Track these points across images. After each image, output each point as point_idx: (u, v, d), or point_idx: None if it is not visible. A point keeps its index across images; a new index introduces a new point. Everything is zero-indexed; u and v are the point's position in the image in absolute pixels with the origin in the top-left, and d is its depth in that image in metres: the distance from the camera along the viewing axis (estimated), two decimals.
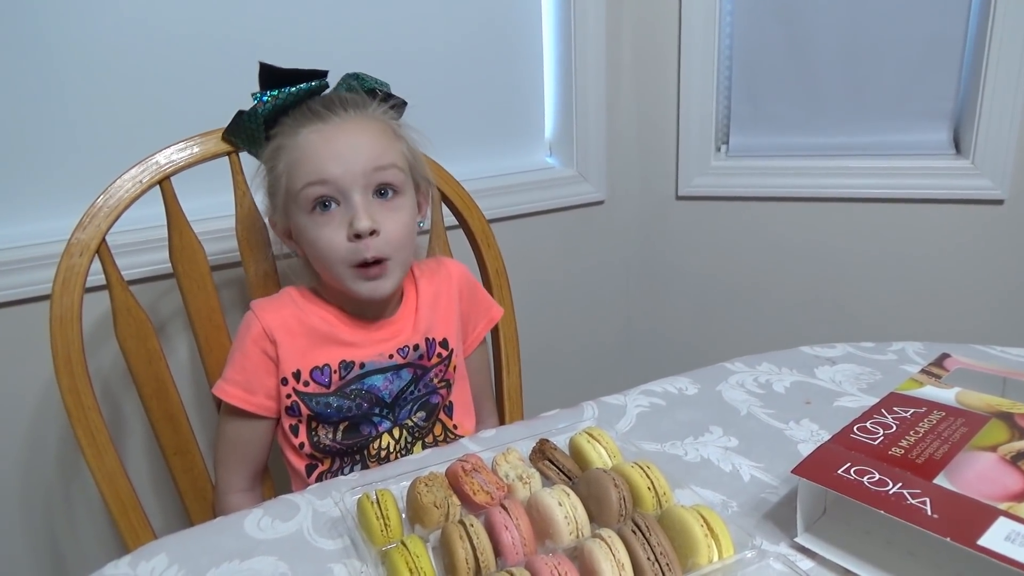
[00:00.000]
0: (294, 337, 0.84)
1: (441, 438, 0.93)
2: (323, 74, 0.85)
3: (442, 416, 0.94)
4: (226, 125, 0.90)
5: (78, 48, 1.03)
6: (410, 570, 0.53)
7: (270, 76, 0.83)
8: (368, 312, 0.88)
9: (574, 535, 0.57)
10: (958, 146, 1.39)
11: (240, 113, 0.88)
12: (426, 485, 0.61)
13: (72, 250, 0.84)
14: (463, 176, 1.08)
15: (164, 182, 0.89)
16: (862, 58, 1.40)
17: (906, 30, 1.35)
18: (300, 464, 0.88)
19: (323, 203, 0.80)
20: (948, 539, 0.49)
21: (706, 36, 1.44)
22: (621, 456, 0.68)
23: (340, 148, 0.80)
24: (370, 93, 0.86)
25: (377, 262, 0.81)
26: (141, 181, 0.88)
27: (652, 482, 0.61)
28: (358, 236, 0.79)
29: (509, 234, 1.37)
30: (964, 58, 1.34)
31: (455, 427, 0.95)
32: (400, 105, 0.89)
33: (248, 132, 0.88)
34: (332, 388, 0.85)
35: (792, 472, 0.58)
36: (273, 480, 0.97)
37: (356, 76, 0.87)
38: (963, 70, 1.35)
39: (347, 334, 0.86)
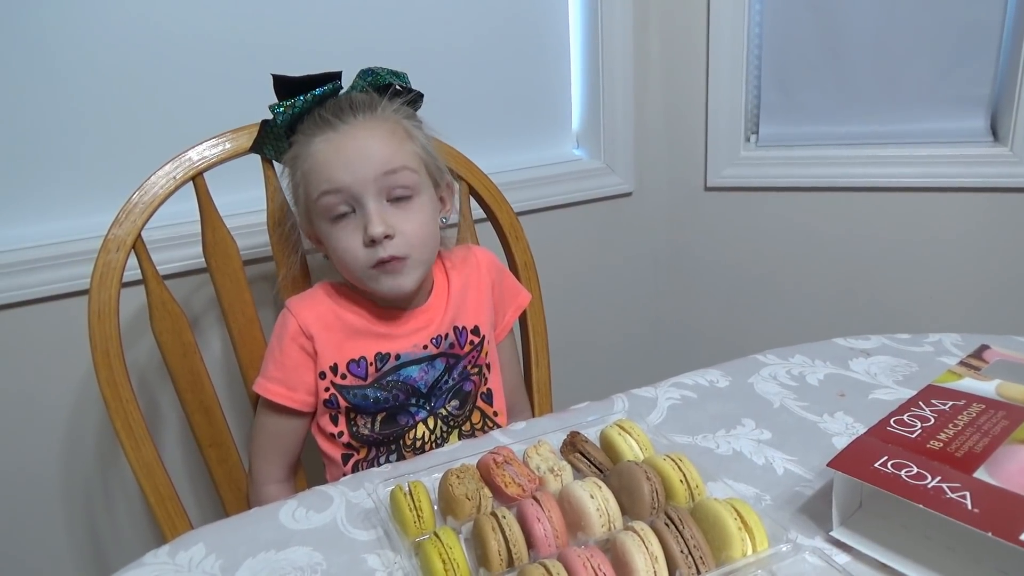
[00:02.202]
0: (330, 332, 0.85)
1: (479, 426, 0.94)
2: (336, 76, 0.85)
3: (481, 404, 0.94)
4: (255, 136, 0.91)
5: (112, 48, 1.04)
6: (443, 561, 0.53)
7: (284, 86, 0.84)
8: (400, 304, 0.89)
9: (606, 527, 0.57)
10: (996, 133, 1.36)
11: (264, 123, 0.89)
12: (458, 477, 0.62)
13: (109, 246, 0.86)
14: (490, 169, 1.08)
15: (197, 178, 0.91)
16: (896, 44, 1.37)
17: (941, 14, 1.32)
18: (336, 453, 0.89)
19: (339, 212, 0.81)
20: (989, 534, 0.48)
21: (735, 23, 1.42)
22: (652, 449, 0.67)
23: (350, 156, 0.80)
24: (383, 90, 0.85)
25: (394, 259, 0.81)
26: (174, 177, 0.89)
27: (684, 475, 0.60)
28: (373, 241, 0.80)
29: (537, 227, 1.36)
30: (1002, 42, 1.30)
31: (495, 414, 0.95)
32: (417, 98, 0.88)
33: (273, 143, 0.89)
34: (369, 380, 0.86)
35: (828, 465, 0.57)
36: (306, 471, 0.98)
37: (371, 71, 0.87)
38: (1001, 54, 1.31)
39: (381, 326, 0.87)
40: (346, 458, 0.89)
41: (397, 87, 0.86)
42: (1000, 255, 1.38)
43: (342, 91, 0.87)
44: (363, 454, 0.89)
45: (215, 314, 1.15)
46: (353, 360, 0.86)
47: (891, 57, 1.38)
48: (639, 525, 0.54)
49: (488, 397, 0.95)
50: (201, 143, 0.91)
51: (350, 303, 0.88)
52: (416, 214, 0.83)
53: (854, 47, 1.40)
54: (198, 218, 0.92)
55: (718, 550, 0.54)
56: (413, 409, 0.88)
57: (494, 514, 0.56)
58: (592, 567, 0.51)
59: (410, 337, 0.88)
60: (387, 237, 0.80)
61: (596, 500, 0.57)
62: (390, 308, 0.88)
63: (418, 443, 0.89)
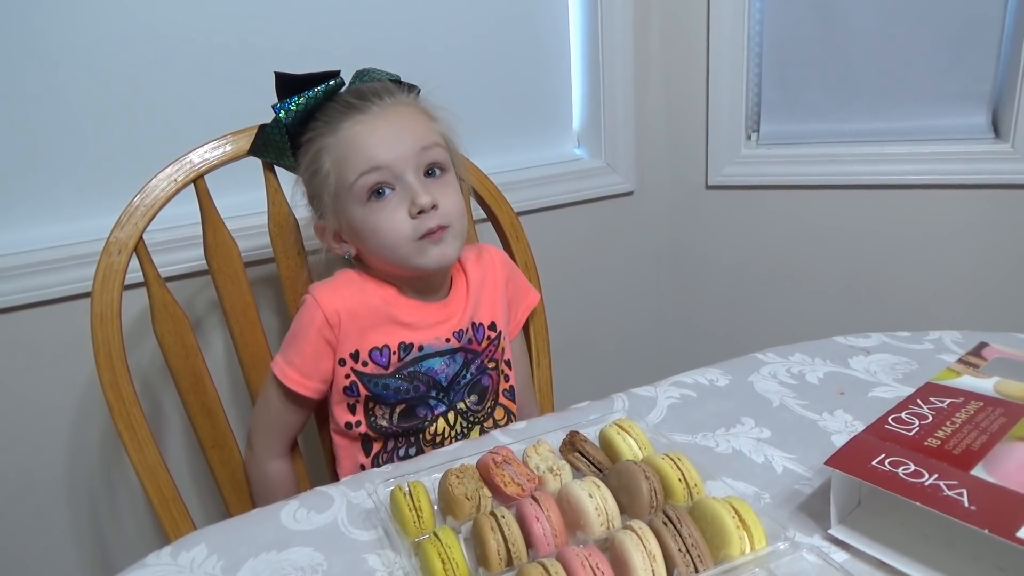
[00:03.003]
0: (355, 318, 0.85)
1: (503, 423, 0.94)
2: (337, 73, 0.87)
3: (504, 400, 0.95)
4: (251, 143, 0.92)
5: (111, 52, 1.05)
6: (442, 561, 0.53)
7: (285, 84, 0.85)
8: (425, 291, 0.89)
9: (605, 526, 0.57)
10: (997, 130, 1.36)
11: (262, 128, 0.89)
12: (457, 477, 0.62)
13: (111, 248, 0.86)
14: (491, 169, 1.08)
15: (198, 180, 0.91)
16: (897, 40, 1.37)
17: (942, 10, 1.32)
18: (354, 445, 0.89)
19: (378, 191, 0.81)
20: (986, 531, 0.48)
21: (735, 21, 1.42)
22: (651, 448, 0.68)
23: (386, 134, 0.81)
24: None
25: (440, 227, 0.82)
26: (176, 180, 0.90)
27: (683, 473, 0.61)
28: (421, 212, 0.81)
29: (538, 226, 1.36)
30: (1003, 38, 1.30)
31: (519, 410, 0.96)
32: (417, 92, 0.90)
33: (274, 144, 0.89)
34: (391, 369, 0.86)
35: (825, 464, 0.57)
36: (304, 460, 0.98)
37: (367, 72, 0.88)
38: (1002, 50, 1.31)
39: (405, 314, 0.87)
40: (367, 449, 0.89)
41: (399, 82, 0.88)
42: (1002, 252, 1.38)
43: (343, 88, 0.88)
44: (381, 446, 0.89)
45: (217, 316, 1.15)
46: (376, 348, 0.86)
47: (892, 54, 1.38)
48: (637, 524, 0.54)
49: (511, 394, 0.96)
50: (202, 145, 0.92)
51: (376, 287, 0.88)
52: (451, 188, 0.85)
53: (855, 44, 1.40)
54: (199, 220, 0.93)
55: (716, 548, 0.54)
56: (432, 402, 0.88)
57: (493, 514, 0.56)
58: (590, 566, 0.51)
59: (432, 329, 0.88)
60: (433, 208, 0.81)
61: (595, 499, 0.58)
62: (414, 298, 0.89)
63: (438, 438, 0.89)
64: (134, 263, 0.87)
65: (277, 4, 1.13)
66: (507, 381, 0.96)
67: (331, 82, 0.86)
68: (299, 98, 0.85)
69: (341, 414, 0.88)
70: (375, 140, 0.81)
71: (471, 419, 0.91)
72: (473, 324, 0.91)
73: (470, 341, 0.90)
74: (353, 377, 0.86)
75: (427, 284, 0.89)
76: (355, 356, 0.85)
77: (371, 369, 0.86)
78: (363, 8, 1.20)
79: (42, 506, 1.12)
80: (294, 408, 0.89)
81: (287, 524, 0.65)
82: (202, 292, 1.14)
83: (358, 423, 0.88)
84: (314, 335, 0.85)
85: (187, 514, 0.89)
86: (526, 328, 1.09)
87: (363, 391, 0.86)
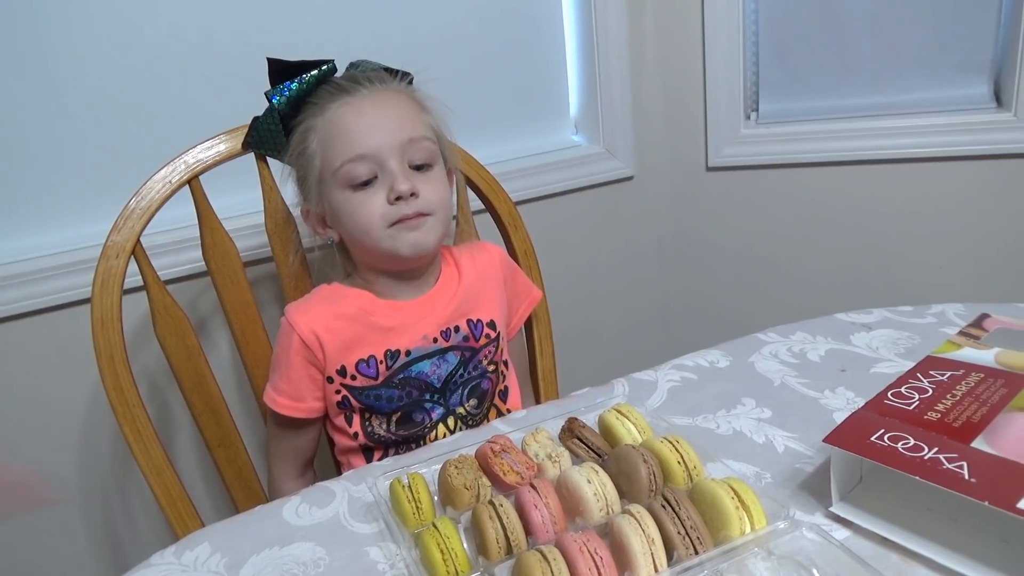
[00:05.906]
0: (333, 334, 0.84)
1: None
2: (330, 62, 0.86)
3: (497, 401, 0.94)
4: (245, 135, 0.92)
5: (104, 57, 1.05)
6: (441, 551, 0.53)
7: (278, 71, 0.85)
8: (404, 286, 0.88)
9: (604, 512, 0.57)
10: (999, 99, 1.34)
11: (255, 119, 0.89)
12: (456, 467, 0.62)
13: (109, 253, 0.86)
14: (488, 160, 1.08)
15: (193, 181, 0.91)
16: (894, 12, 1.35)
17: None
18: (355, 453, 0.89)
19: (363, 180, 0.81)
20: (986, 503, 0.48)
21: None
22: (651, 432, 0.67)
23: (373, 120, 0.81)
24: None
25: (419, 214, 0.81)
26: (171, 181, 0.90)
27: (682, 456, 0.60)
28: (399, 198, 0.80)
29: (538, 215, 1.36)
30: (1002, 5, 1.28)
31: (509, 411, 0.95)
32: (410, 80, 0.89)
33: (268, 135, 0.89)
34: (380, 379, 0.85)
35: (824, 440, 0.57)
36: (315, 471, 0.99)
37: (360, 63, 0.88)
38: (1002, 17, 1.29)
39: (385, 319, 0.86)
40: (368, 458, 0.89)
41: (391, 70, 0.87)
42: (1006, 222, 1.36)
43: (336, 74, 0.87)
44: (381, 454, 0.89)
45: (221, 316, 1.16)
46: (362, 360, 0.85)
47: (890, 26, 1.36)
48: (636, 508, 0.54)
49: (504, 394, 0.95)
50: (195, 146, 0.92)
51: (351, 297, 0.87)
52: (436, 181, 0.84)
53: (852, 17, 1.38)
54: (196, 222, 0.93)
55: (716, 530, 0.54)
56: (428, 405, 0.87)
57: (492, 503, 0.57)
58: (589, 552, 0.51)
59: (417, 327, 0.87)
60: (412, 195, 0.80)
61: (593, 485, 0.58)
62: (392, 299, 0.88)
63: None
64: (133, 267, 0.88)
65: None
66: (503, 381, 0.95)
67: (324, 67, 0.85)
68: (293, 83, 0.84)
69: (341, 424, 0.88)
70: (362, 124, 0.80)
71: (470, 423, 0.90)
72: (469, 321, 0.90)
73: (465, 338, 0.89)
74: (344, 392, 0.85)
75: (407, 277, 0.87)
76: (342, 372, 0.85)
77: (360, 382, 0.85)
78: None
79: (57, 511, 1.13)
80: (296, 431, 0.89)
81: (289, 520, 0.65)
82: (204, 293, 1.15)
83: (355, 435, 0.87)
84: (294, 358, 0.84)
85: (195, 513, 0.89)
86: (528, 318, 1.09)
87: (356, 404, 0.85)
